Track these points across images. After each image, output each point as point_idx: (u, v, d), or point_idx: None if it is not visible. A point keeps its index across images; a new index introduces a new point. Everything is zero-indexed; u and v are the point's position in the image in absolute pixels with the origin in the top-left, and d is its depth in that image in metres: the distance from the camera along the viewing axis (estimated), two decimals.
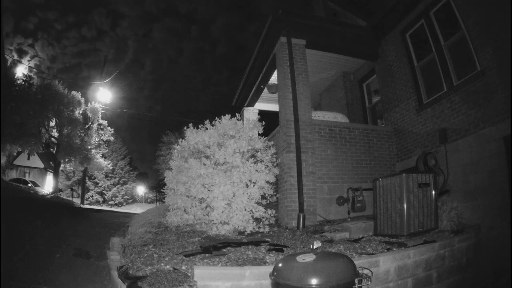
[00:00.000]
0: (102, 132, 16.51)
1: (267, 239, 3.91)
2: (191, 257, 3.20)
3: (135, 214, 10.31)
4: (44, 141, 14.66)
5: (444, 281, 3.30)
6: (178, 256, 3.28)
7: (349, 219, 4.99)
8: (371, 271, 1.90)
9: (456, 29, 4.96)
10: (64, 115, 14.27)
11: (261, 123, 5.29)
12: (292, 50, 5.73)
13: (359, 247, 3.43)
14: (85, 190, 18.32)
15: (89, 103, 15.81)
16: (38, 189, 18.66)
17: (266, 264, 2.97)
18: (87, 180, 20.36)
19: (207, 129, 5.00)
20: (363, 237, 3.94)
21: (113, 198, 25.93)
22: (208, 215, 4.49)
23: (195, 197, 4.58)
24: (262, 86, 8.02)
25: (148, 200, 34.03)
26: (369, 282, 1.72)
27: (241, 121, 5.28)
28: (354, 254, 3.14)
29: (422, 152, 5.32)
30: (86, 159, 15.37)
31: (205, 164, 4.58)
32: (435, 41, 5.38)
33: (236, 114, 8.79)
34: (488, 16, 4.43)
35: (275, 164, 4.95)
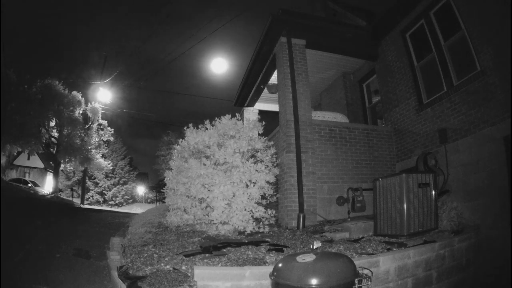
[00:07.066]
0: (102, 132, 16.54)
1: (267, 239, 3.90)
2: (191, 257, 3.20)
3: (135, 214, 10.32)
4: (44, 141, 14.68)
5: (444, 281, 3.30)
6: (178, 256, 3.28)
7: (349, 219, 4.99)
8: (371, 271, 1.90)
9: (456, 29, 4.96)
10: (64, 115, 14.31)
11: (261, 123, 5.29)
12: (292, 50, 5.73)
13: (359, 247, 3.44)
14: (85, 190, 18.36)
15: (89, 103, 15.82)
16: (38, 189, 18.67)
17: (266, 264, 2.97)
18: (87, 180, 20.40)
19: (207, 129, 5.00)
20: (363, 237, 3.95)
21: (113, 198, 25.97)
22: (208, 215, 4.49)
23: (195, 197, 4.58)
24: (262, 86, 8.02)
25: (148, 200, 34.02)
26: (369, 282, 1.72)
27: (241, 121, 5.29)
28: (354, 254, 3.14)
29: (422, 152, 5.32)
30: (86, 159, 15.40)
31: (205, 164, 4.58)
32: (435, 41, 5.38)
33: (236, 114, 8.78)
34: (488, 16, 4.43)
35: (275, 164, 4.95)
